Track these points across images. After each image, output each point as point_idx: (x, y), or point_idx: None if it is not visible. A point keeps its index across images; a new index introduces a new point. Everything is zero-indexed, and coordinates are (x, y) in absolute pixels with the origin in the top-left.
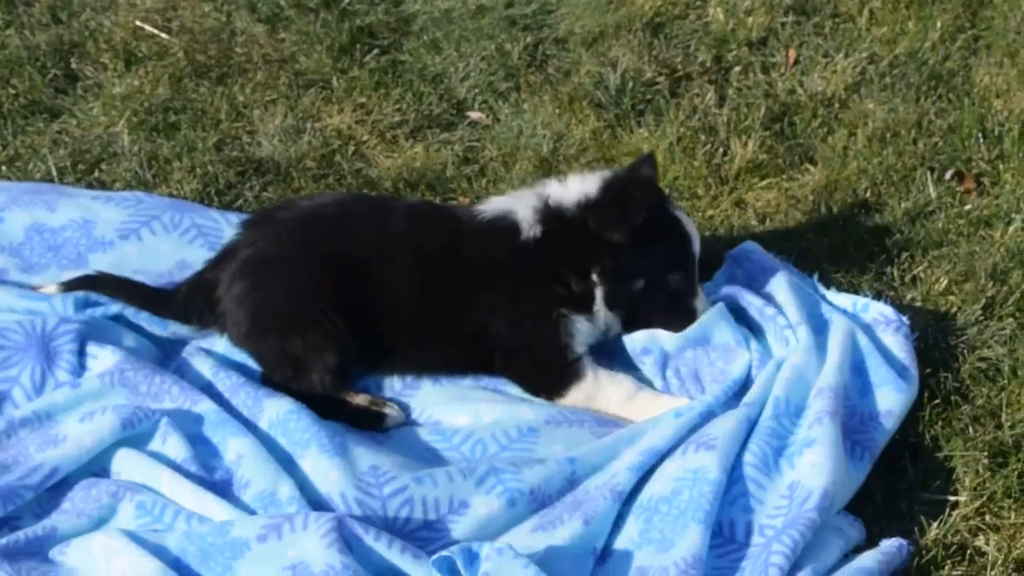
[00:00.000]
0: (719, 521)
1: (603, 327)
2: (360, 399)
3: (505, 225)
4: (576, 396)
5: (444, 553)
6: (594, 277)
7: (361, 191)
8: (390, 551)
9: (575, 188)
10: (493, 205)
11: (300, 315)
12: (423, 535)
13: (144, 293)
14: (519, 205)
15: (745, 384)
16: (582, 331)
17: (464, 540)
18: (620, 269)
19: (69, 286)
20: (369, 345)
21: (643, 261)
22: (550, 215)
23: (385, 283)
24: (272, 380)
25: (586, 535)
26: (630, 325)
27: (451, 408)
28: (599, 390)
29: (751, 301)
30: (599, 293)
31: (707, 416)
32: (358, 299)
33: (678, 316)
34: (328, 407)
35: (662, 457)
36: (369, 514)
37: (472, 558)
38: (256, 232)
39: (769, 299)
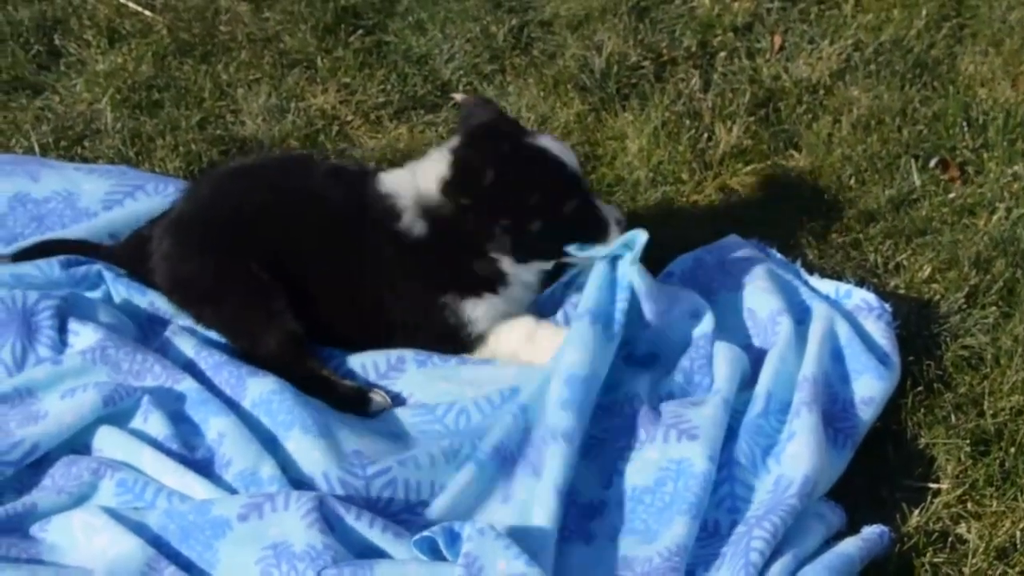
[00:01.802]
0: (704, 520)
1: (519, 296)
2: (347, 384)
3: (389, 206)
4: (482, 354)
5: (426, 533)
6: (492, 254)
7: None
8: (371, 530)
9: (432, 171)
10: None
11: (226, 277)
12: (404, 518)
13: (92, 249)
14: (404, 187)
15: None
16: (485, 312)
17: (441, 518)
18: (514, 230)
19: (18, 256)
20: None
21: (529, 207)
22: (426, 208)
23: (300, 244)
24: (246, 355)
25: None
26: (552, 260)
27: (436, 388)
28: (499, 341)
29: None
30: (504, 262)
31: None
32: (280, 259)
33: (592, 234)
34: (314, 386)
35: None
36: (352, 494)
37: (454, 538)
38: (191, 189)
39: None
